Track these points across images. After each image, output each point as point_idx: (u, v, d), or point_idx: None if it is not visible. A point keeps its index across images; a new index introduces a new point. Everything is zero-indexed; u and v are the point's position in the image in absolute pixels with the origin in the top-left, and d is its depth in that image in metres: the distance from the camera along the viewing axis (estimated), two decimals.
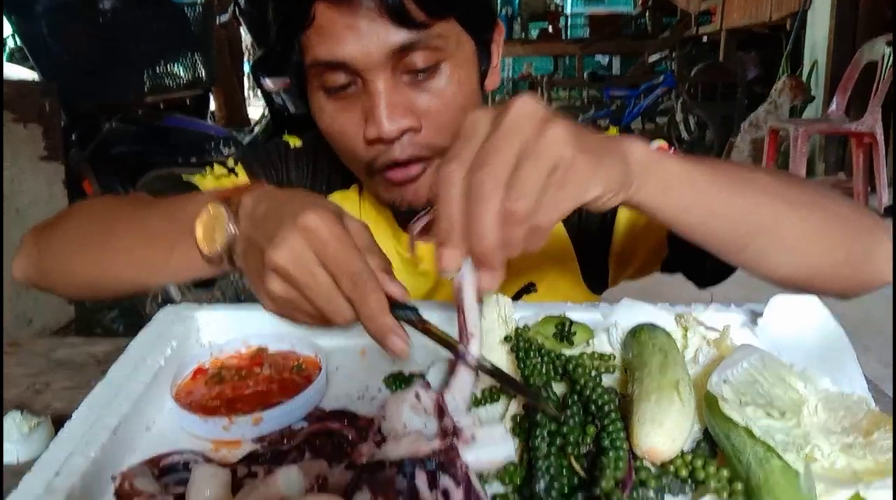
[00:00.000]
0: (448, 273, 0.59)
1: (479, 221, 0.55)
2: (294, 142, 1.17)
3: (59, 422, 0.68)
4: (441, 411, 0.60)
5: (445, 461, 0.54)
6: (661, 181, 0.66)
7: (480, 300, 0.65)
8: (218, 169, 1.11)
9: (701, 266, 0.94)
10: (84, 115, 3.23)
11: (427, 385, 0.62)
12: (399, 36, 0.84)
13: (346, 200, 1.12)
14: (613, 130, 1.07)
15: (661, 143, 0.92)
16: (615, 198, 0.63)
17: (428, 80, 0.88)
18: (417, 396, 0.61)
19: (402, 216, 1.08)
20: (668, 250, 0.97)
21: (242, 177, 1.10)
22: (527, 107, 0.57)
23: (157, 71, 3.28)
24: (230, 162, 1.12)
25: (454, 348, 0.65)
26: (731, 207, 0.70)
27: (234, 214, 0.73)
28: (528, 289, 1.06)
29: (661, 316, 0.72)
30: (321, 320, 0.68)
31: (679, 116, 8.09)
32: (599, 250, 1.05)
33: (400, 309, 0.66)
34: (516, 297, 1.04)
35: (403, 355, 0.65)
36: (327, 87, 0.89)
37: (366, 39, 0.84)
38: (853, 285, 0.79)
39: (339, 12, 0.83)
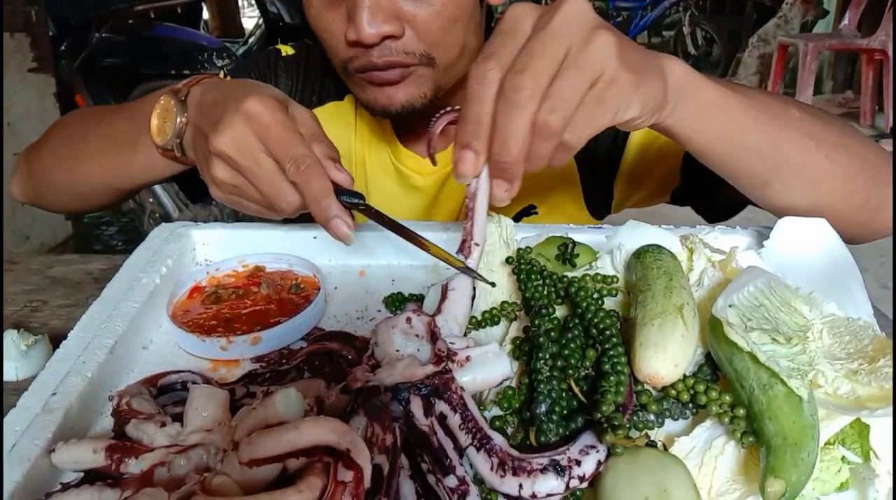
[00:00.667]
0: (465, 178, 0.56)
1: (509, 128, 0.52)
2: (286, 51, 1.14)
3: (56, 340, 0.68)
4: (434, 335, 0.59)
5: (440, 385, 0.54)
6: (697, 105, 0.63)
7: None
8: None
9: (712, 201, 0.92)
10: (73, 25, 3.12)
11: (419, 309, 0.61)
12: None
13: (339, 111, 1.09)
14: None
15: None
16: (650, 119, 0.60)
17: None
18: (409, 320, 0.60)
19: (400, 129, 1.05)
20: (679, 181, 0.94)
21: None
22: (577, 8, 0.53)
23: None
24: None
25: (450, 261, 0.64)
26: (762, 139, 0.67)
27: (184, 105, 0.74)
28: (529, 211, 1.04)
29: (666, 238, 0.70)
30: (268, 207, 0.68)
31: (686, 30, 7.87)
32: (606, 173, 1.02)
33: (346, 196, 0.66)
34: (516, 218, 1.03)
35: (347, 239, 0.65)
36: None
37: None
38: (866, 231, 0.77)
39: None
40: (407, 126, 1.04)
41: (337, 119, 1.08)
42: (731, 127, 0.66)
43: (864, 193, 0.74)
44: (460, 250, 0.64)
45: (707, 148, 0.67)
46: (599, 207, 1.07)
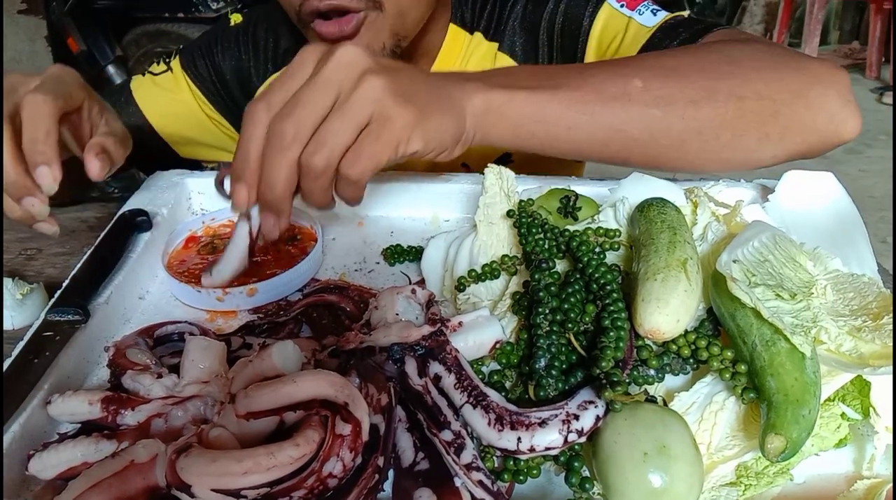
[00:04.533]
0: (239, 209, 0.59)
1: (272, 169, 0.55)
2: (235, 19, 1.10)
3: (52, 288, 0.67)
4: (429, 301, 0.60)
5: (435, 346, 0.54)
6: (509, 124, 0.63)
7: (255, 246, 0.66)
8: (157, 66, 1.08)
9: None
10: None
11: (423, 283, 0.64)
12: None
13: None
14: None
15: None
16: (452, 149, 0.61)
17: None
18: (413, 291, 0.61)
19: None
20: None
21: (178, 73, 1.07)
22: (347, 56, 0.55)
23: None
24: (172, 59, 1.08)
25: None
26: (594, 129, 0.65)
27: None
28: (505, 160, 1.02)
29: (670, 191, 0.69)
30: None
31: None
32: None
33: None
34: None
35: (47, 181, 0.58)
36: None
37: None
38: (790, 158, 0.71)
39: None
40: None
41: None
42: (554, 131, 0.65)
43: (756, 131, 0.68)
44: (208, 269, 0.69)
45: (543, 151, 0.67)
46: None
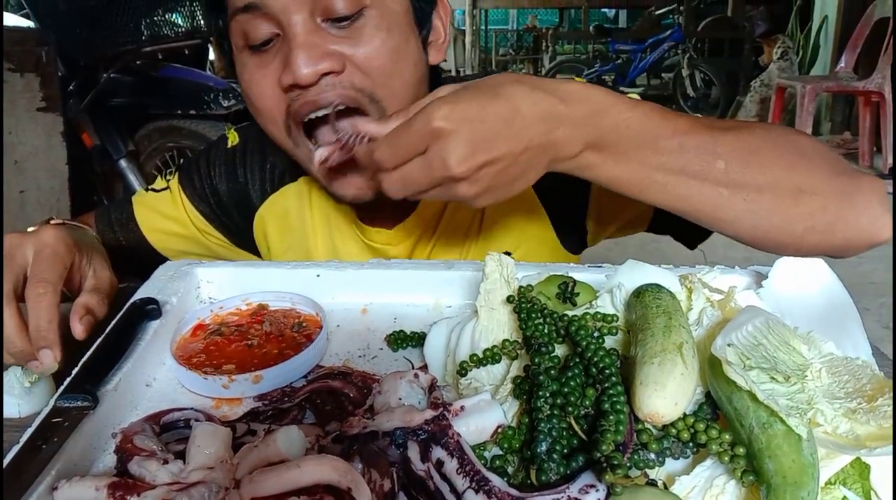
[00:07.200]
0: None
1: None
2: (232, 139, 1.14)
3: (59, 378, 0.68)
4: (431, 385, 0.61)
5: (437, 431, 0.54)
6: (589, 175, 0.73)
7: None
8: (159, 182, 1.15)
9: (686, 226, 0.93)
10: (82, 65, 3.17)
11: (425, 368, 0.66)
12: None
13: (291, 192, 1.09)
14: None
15: (634, 96, 0.91)
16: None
17: (350, 26, 0.82)
18: (416, 376, 0.62)
19: (361, 209, 1.03)
20: (653, 213, 0.96)
21: (175, 192, 1.13)
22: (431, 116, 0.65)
23: (156, 20, 3.21)
24: (171, 177, 1.14)
25: None
26: (668, 195, 0.73)
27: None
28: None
29: (665, 277, 0.71)
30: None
31: (685, 72, 7.99)
32: (575, 211, 1.02)
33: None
34: None
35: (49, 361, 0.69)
36: (250, 43, 0.84)
37: None
38: (824, 251, 0.78)
39: None
40: (364, 205, 1.03)
41: (296, 201, 1.09)
42: (627, 190, 0.74)
43: (804, 221, 0.74)
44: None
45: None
46: (575, 244, 1.07)
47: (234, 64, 0.91)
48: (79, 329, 0.72)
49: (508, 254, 1.02)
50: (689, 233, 0.97)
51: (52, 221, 0.88)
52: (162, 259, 0.97)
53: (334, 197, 0.93)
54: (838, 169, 0.77)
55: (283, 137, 0.88)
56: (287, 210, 1.10)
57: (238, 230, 1.14)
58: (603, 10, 14.60)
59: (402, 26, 0.86)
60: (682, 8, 9.81)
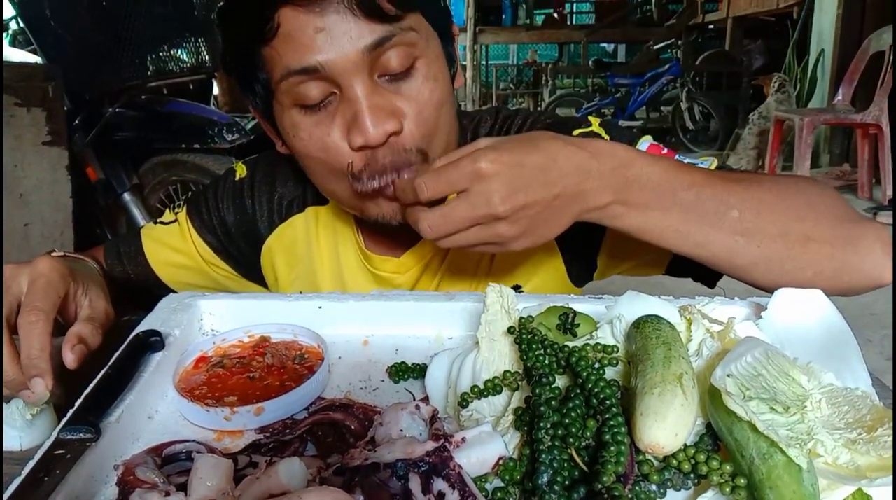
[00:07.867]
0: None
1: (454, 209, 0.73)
2: (240, 171, 1.15)
3: (61, 410, 0.68)
4: (432, 417, 0.61)
5: (438, 462, 0.54)
6: (612, 224, 0.79)
7: None
8: (168, 214, 1.17)
9: (704, 267, 0.94)
10: (87, 100, 3.21)
11: (426, 400, 0.67)
12: (372, 32, 0.81)
13: (299, 222, 1.11)
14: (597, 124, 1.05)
15: (650, 141, 0.92)
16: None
17: (405, 80, 0.85)
18: (417, 407, 0.63)
19: (365, 228, 1.06)
20: (671, 256, 0.97)
21: (183, 225, 1.14)
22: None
23: (161, 55, 3.25)
24: (180, 210, 1.16)
25: None
26: (686, 242, 0.80)
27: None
28: (516, 290, 1.05)
29: (665, 308, 0.71)
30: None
31: (684, 106, 8.07)
32: (589, 246, 1.03)
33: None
34: None
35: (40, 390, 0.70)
36: (302, 103, 0.85)
37: (339, 40, 0.80)
38: (835, 292, 0.80)
39: (308, 14, 0.80)
40: (370, 232, 1.06)
41: (303, 231, 1.11)
42: (647, 237, 0.80)
43: (814, 267, 0.80)
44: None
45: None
46: (582, 277, 1.08)
47: (263, 109, 0.92)
48: (70, 358, 0.71)
49: (518, 288, 1.04)
50: (708, 272, 0.98)
51: (54, 254, 0.89)
52: (170, 291, 0.98)
53: (376, 221, 0.93)
54: (844, 217, 0.82)
55: (332, 181, 0.91)
56: (295, 240, 1.11)
57: (246, 262, 1.15)
58: (602, 44, 14.82)
59: (444, 70, 0.90)
60: (680, 42, 9.97)
